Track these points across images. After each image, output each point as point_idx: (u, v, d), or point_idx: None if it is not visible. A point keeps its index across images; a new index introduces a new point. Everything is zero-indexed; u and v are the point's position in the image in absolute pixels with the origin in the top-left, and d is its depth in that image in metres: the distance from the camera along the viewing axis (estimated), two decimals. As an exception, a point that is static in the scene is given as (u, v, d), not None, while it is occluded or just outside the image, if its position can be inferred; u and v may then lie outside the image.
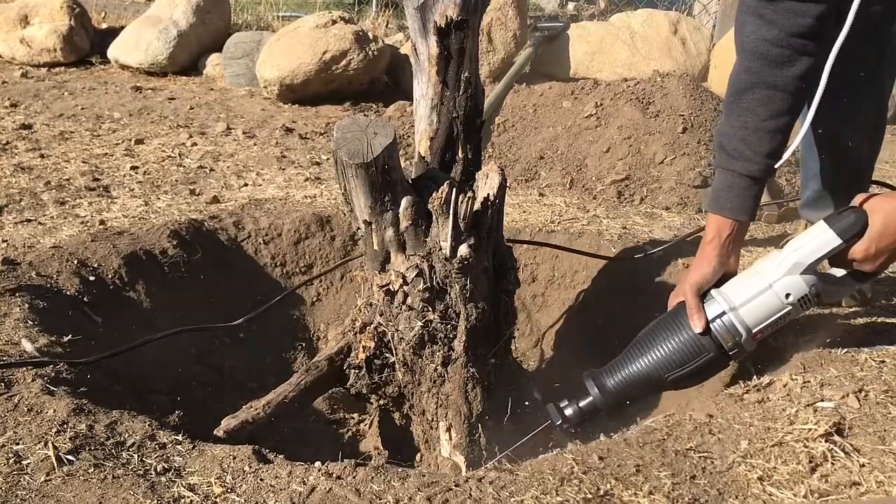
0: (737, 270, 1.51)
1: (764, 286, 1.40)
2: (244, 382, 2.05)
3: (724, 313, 1.41)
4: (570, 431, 1.48)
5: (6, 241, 2.16)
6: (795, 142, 1.51)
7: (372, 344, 1.65)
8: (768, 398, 1.38)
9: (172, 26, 5.07)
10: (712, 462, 1.22)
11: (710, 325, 1.41)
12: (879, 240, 1.34)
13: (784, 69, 1.43)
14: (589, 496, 1.13)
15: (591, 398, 1.47)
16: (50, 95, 4.36)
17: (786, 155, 1.49)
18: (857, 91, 1.71)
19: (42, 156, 3.13)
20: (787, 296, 1.39)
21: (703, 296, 1.46)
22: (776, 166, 1.47)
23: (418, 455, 1.71)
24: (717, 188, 1.50)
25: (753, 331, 1.41)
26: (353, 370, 1.71)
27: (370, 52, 4.47)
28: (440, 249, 1.54)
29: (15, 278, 1.84)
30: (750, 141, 1.46)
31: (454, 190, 1.53)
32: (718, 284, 1.48)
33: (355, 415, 1.97)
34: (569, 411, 1.48)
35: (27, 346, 1.55)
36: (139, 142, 3.45)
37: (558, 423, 1.48)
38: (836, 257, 1.40)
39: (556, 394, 1.57)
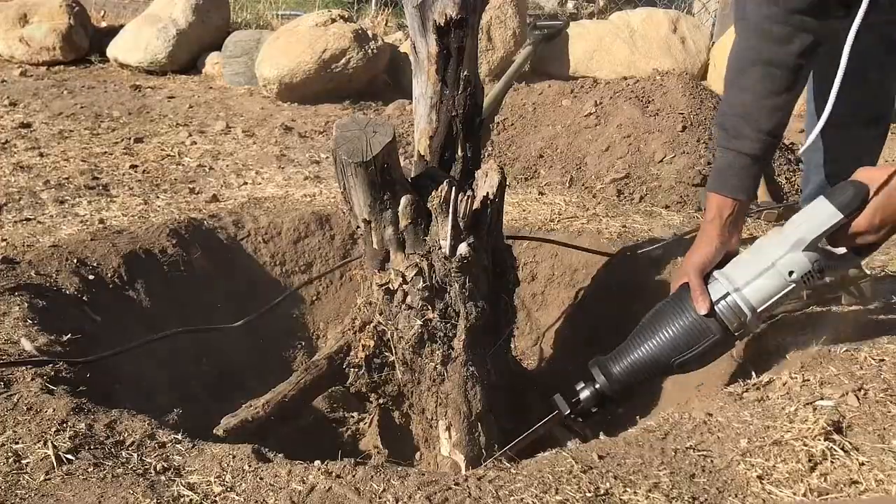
0: (738, 250, 1.50)
1: (767, 265, 1.38)
2: (244, 382, 2.05)
3: (728, 294, 1.40)
4: (578, 421, 1.48)
5: (6, 239, 2.16)
6: (816, 129, 1.49)
7: (371, 343, 1.65)
8: (768, 397, 1.38)
9: (172, 25, 5.07)
10: (712, 461, 1.21)
11: (715, 307, 1.40)
12: (884, 210, 1.31)
13: (784, 46, 1.41)
14: (588, 495, 1.13)
15: (597, 385, 1.47)
16: (49, 94, 4.36)
17: (808, 141, 1.50)
18: (862, 80, 1.69)
19: (41, 155, 3.13)
20: (791, 273, 1.37)
21: (706, 277, 1.44)
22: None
23: (418, 454, 1.71)
24: (718, 167, 1.49)
25: (758, 310, 1.39)
26: (352, 369, 1.71)
27: (369, 51, 4.47)
28: (439, 248, 1.54)
29: (14, 277, 1.83)
30: (749, 119, 1.44)
31: (453, 189, 1.53)
32: (721, 265, 1.46)
33: (355, 414, 1.97)
34: (577, 399, 1.48)
35: (26, 344, 1.55)
36: (138, 140, 3.45)
37: (567, 412, 1.48)
38: (837, 233, 1.37)
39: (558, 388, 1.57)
